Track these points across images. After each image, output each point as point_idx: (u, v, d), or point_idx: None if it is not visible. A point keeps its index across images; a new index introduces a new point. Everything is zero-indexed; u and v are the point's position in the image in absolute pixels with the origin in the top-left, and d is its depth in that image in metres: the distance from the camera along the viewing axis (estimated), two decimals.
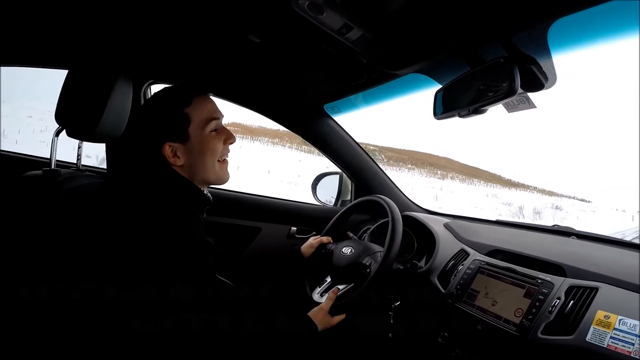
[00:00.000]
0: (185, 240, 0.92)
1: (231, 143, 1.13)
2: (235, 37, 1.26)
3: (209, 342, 0.93)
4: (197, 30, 1.29)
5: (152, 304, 0.89)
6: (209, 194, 1.15)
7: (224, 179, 1.13)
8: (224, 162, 1.12)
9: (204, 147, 1.05)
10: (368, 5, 0.89)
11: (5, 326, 1.04)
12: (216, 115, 1.07)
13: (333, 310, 1.19)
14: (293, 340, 1.09)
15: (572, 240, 1.27)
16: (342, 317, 1.20)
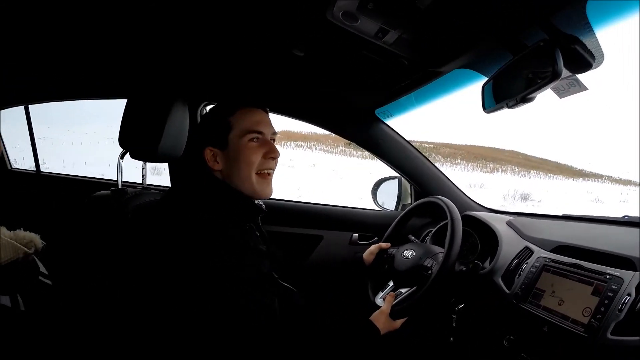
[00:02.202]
0: (231, 249, 0.99)
1: (272, 158, 1.17)
2: (281, 54, 1.36)
3: (264, 333, 0.98)
4: (245, 52, 1.41)
5: (204, 313, 0.97)
6: (261, 203, 1.20)
7: (261, 192, 1.17)
8: (263, 175, 1.17)
9: (239, 156, 1.13)
10: (399, 6, 0.92)
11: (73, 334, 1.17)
12: (258, 128, 1.15)
13: (395, 314, 1.21)
14: (356, 345, 1.12)
15: None
16: (404, 320, 1.23)
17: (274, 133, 1.20)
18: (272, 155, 1.15)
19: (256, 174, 1.14)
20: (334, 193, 12.83)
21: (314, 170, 19.40)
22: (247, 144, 1.12)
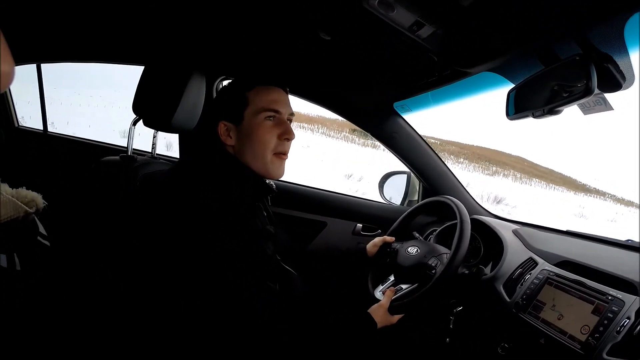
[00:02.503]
0: (235, 230, 0.98)
1: (287, 139, 1.15)
2: (306, 35, 1.32)
3: (265, 328, 0.98)
4: (268, 28, 1.37)
5: (207, 289, 0.96)
6: (272, 183, 1.19)
7: (273, 172, 1.16)
8: (279, 156, 1.16)
9: (253, 134, 1.11)
10: (440, 1, 0.90)
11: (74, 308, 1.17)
12: (275, 107, 1.13)
13: (394, 309, 1.22)
14: (352, 335, 1.13)
15: None
16: (401, 315, 1.24)
17: (292, 114, 1.18)
18: (287, 136, 1.14)
19: (273, 154, 1.13)
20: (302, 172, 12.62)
21: (305, 151, 19.38)
22: (262, 122, 1.11)
